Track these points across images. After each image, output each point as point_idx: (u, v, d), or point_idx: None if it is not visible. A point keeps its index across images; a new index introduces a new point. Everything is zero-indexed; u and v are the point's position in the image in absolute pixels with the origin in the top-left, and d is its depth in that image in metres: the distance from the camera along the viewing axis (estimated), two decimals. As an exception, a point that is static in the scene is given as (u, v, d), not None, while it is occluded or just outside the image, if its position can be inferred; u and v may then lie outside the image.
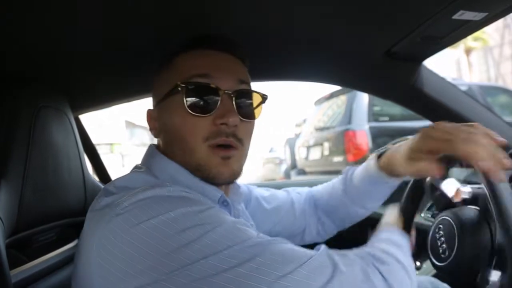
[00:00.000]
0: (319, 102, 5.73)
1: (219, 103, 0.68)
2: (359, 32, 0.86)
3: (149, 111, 0.76)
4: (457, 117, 1.12)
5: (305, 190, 1.03)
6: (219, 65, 0.70)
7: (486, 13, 0.78)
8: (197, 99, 0.67)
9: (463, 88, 4.66)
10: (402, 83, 1.08)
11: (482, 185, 0.72)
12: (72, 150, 0.95)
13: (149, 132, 0.76)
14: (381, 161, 0.84)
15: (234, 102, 0.69)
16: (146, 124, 0.77)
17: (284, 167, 8.36)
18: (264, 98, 0.75)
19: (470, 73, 15.41)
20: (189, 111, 0.67)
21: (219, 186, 0.71)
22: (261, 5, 0.76)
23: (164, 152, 0.72)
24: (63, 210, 0.92)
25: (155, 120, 0.74)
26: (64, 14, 0.70)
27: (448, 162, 0.70)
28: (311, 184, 1.06)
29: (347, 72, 1.11)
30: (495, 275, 0.67)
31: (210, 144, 0.67)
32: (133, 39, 0.84)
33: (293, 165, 6.72)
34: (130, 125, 18.81)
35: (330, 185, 0.99)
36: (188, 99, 0.67)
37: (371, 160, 0.87)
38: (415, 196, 0.88)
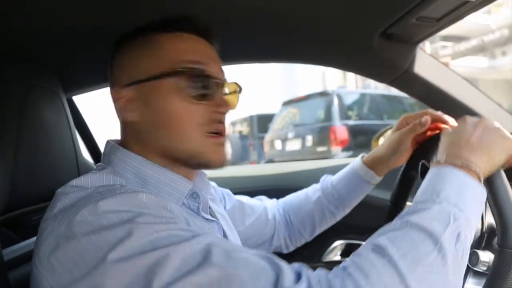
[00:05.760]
0: (289, 103, 7.07)
1: (214, 91, 0.69)
2: (353, 12, 0.85)
3: (117, 92, 0.69)
4: (453, 102, 1.12)
5: (274, 200, 1.08)
6: (207, 53, 0.71)
7: None
8: (195, 86, 0.67)
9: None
10: (397, 66, 1.07)
11: None
12: (64, 130, 0.95)
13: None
14: (367, 159, 0.96)
15: (223, 91, 0.72)
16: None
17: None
18: (240, 88, 0.77)
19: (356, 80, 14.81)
20: (189, 97, 0.67)
21: (188, 175, 0.71)
22: None
23: (138, 140, 0.69)
24: (56, 190, 0.92)
25: (131, 102, 0.68)
26: None
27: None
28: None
29: (340, 54, 1.10)
30: (484, 256, 0.69)
31: (205, 131, 0.68)
32: (124, 16, 0.82)
33: (234, 161, 8.12)
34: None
35: (303, 193, 1.05)
36: (187, 85, 0.66)
37: (356, 162, 0.98)
38: (407, 182, 0.90)
